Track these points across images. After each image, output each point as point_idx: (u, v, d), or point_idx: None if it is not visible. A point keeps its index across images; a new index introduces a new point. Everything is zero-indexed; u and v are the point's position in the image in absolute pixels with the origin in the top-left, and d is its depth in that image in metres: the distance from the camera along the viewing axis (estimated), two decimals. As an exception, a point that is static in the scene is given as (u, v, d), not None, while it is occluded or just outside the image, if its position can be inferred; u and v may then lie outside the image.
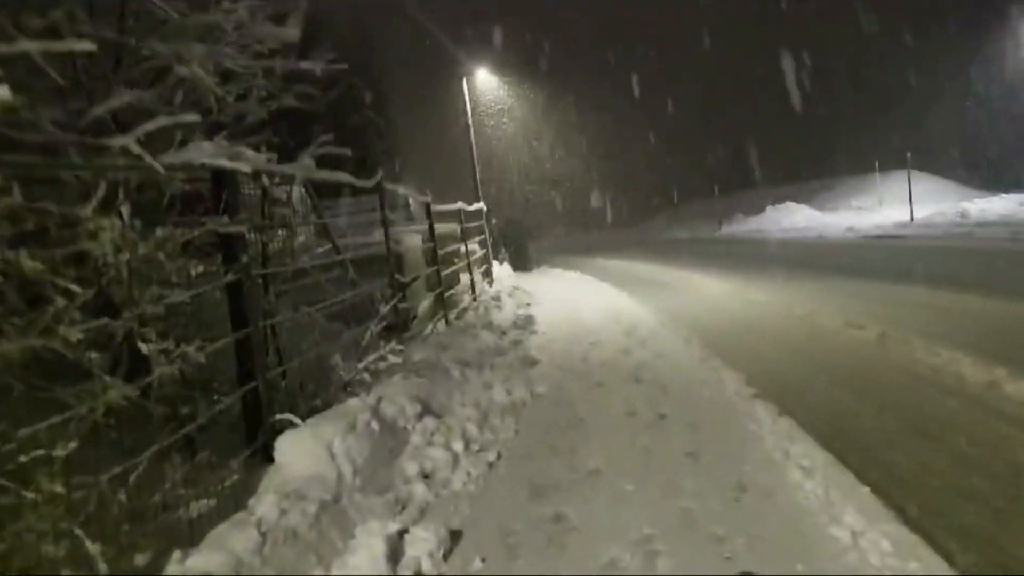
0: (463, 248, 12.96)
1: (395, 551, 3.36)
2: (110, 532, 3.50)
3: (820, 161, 40.43)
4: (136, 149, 3.31)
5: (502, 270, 18.67)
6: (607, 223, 49.99)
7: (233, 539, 3.12)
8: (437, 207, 11.48)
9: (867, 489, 3.87)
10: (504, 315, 11.16)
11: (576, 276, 18.72)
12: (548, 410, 6.01)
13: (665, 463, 4.52)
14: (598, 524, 3.77)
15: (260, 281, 4.85)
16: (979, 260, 12.07)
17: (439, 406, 5.53)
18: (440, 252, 10.55)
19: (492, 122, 46.14)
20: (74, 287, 2.88)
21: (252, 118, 5.32)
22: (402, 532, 3.51)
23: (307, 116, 7.18)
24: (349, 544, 3.40)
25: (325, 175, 5.56)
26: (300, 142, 5.95)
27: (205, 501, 3.77)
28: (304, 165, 5.09)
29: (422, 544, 3.42)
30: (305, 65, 5.00)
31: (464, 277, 12.76)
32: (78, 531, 2.75)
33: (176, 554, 3.00)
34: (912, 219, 19.61)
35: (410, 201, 14.79)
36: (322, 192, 11.30)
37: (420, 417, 5.05)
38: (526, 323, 10.42)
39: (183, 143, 3.72)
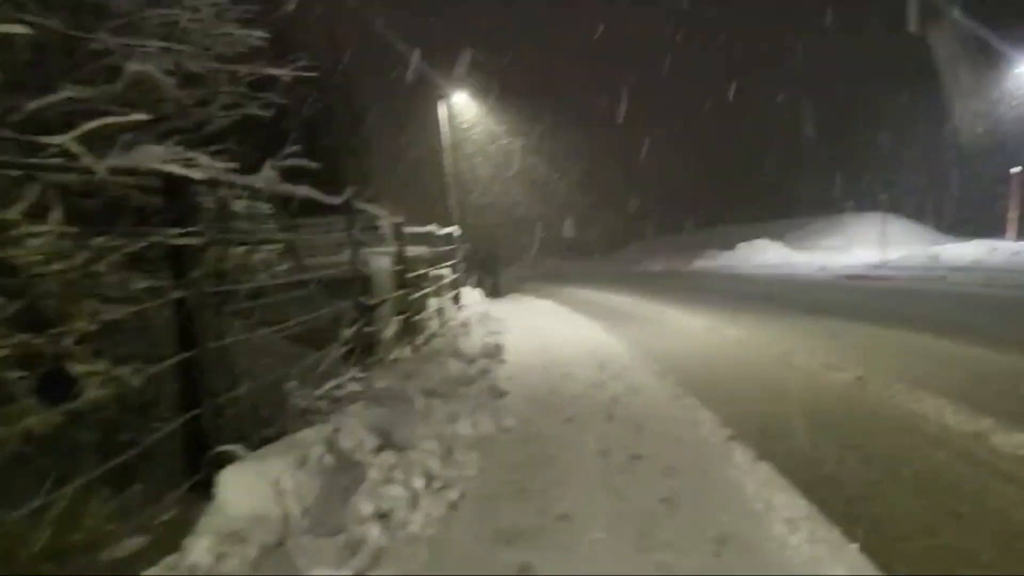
0: (433, 272, 12.65)
1: (343, 604, 3.04)
2: (26, 573, 3.15)
3: (791, 200, 40.77)
4: (76, 149, 3.01)
5: (473, 296, 18.37)
6: (579, 252, 49.94)
7: (160, 589, 2.78)
8: (409, 229, 11.19)
9: (855, 546, 3.61)
10: (473, 342, 10.85)
11: (548, 305, 18.47)
12: (516, 446, 5.70)
13: (640, 510, 4.23)
14: (567, 578, 3.47)
15: (214, 299, 4.53)
16: (954, 305, 11.98)
17: (400, 438, 5.20)
18: (410, 275, 10.24)
19: (469, 148, 45.99)
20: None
21: (214, 126, 5.03)
22: (352, 582, 3.19)
23: (280, 134, 6.82)
24: (292, 595, 3.07)
25: (290, 189, 5.27)
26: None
27: (136, 539, 3.43)
28: (267, 177, 4.80)
29: (373, 597, 3.10)
30: (272, 71, 4.71)
31: (433, 302, 12.44)
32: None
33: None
34: (884, 261, 19.63)
35: (382, 223, 14.48)
36: (295, 210, 10.96)
37: (379, 450, 4.72)
38: (495, 352, 10.11)
39: (131, 146, 3.41)
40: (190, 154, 3.55)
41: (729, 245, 30.83)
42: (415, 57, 26.49)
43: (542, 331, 12.76)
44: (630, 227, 50.28)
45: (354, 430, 4.67)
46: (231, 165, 4.28)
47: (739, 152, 47.39)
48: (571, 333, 12.34)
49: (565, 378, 8.35)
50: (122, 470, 3.78)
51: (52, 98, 3.19)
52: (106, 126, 3.27)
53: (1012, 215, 19.88)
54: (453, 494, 4.52)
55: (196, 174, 3.52)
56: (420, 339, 10.36)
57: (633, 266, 34.95)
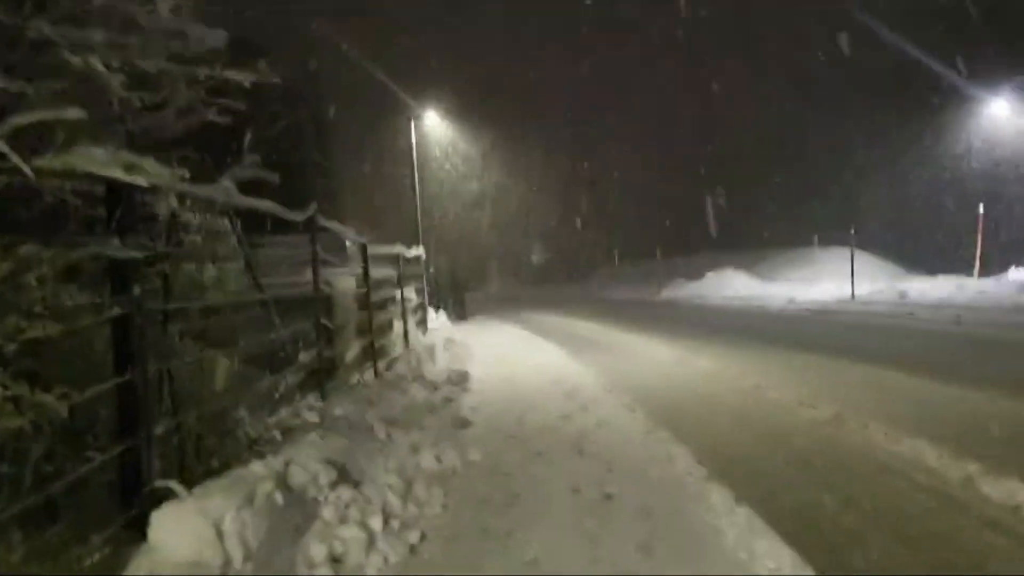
0: (399, 294, 12.32)
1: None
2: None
3: (758, 231, 40.99)
4: (1, 147, 2.68)
5: (438, 319, 18.05)
6: (547, 278, 49.82)
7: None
8: (374, 249, 10.87)
9: (847, 603, 3.35)
10: (437, 368, 10.53)
11: (515, 330, 18.19)
12: (481, 481, 5.38)
13: (614, 557, 3.92)
14: (537, 635, 3.16)
15: (159, 318, 4.18)
16: (926, 342, 11.88)
17: (358, 472, 4.86)
18: (374, 297, 9.91)
19: (437, 168, 45.78)
20: None
21: (169, 132, 4.70)
22: (297, 640, 2.85)
23: (244, 149, 6.48)
24: (228, 655, 2.73)
25: (249, 202, 4.94)
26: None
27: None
28: (223, 188, 4.47)
29: (320, 658, 2.76)
30: (232, 74, 4.39)
31: (398, 325, 12.11)
32: None
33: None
34: (853, 295, 19.64)
35: (347, 242, 14.12)
36: (261, 227, 10.57)
37: (335, 485, 4.38)
38: (460, 379, 9.78)
39: (66, 144, 3.07)
40: (135, 159, 3.22)
41: (697, 274, 30.81)
42: (385, 77, 26.24)
43: (509, 358, 12.46)
44: (598, 254, 50.29)
45: (308, 463, 4.32)
46: (181, 173, 3.94)
47: (707, 182, 47.67)
48: (538, 360, 12.07)
49: (532, 408, 8.05)
50: (45, 506, 3.41)
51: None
52: (38, 123, 2.94)
53: (978, 252, 20.05)
54: (413, 536, 4.19)
55: (139, 180, 3.20)
56: (383, 363, 10.01)
57: (601, 293, 34.84)
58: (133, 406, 3.58)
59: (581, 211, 50.26)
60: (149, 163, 3.28)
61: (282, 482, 3.95)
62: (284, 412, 4.78)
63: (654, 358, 11.93)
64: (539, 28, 56.92)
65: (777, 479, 5.32)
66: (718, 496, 4.88)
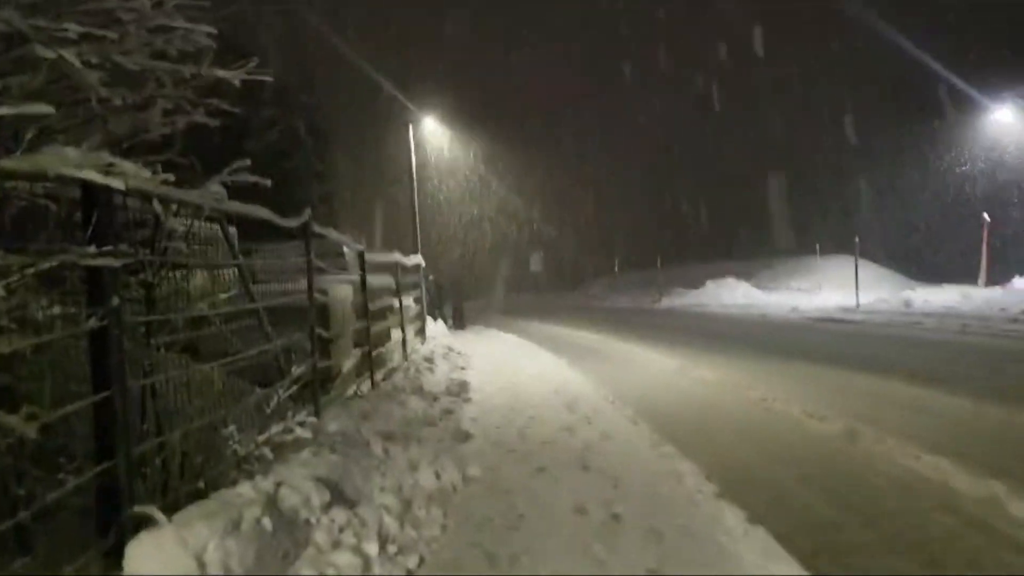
0: (397, 303, 12.09)
1: None
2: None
3: (759, 239, 40.82)
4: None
5: (437, 328, 17.82)
6: (545, 286, 49.56)
7: None
8: (372, 257, 10.65)
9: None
10: (436, 379, 10.29)
11: (514, 339, 17.94)
12: (482, 500, 5.14)
13: (625, 585, 3.69)
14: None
15: (141, 329, 3.95)
16: (935, 352, 11.63)
17: (354, 491, 4.62)
18: (372, 306, 9.67)
19: (435, 177, 45.67)
20: None
21: (154, 134, 4.48)
22: None
23: (241, 156, 6.26)
24: None
25: (240, 208, 4.72)
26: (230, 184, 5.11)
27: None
28: (212, 193, 4.24)
29: None
30: (221, 73, 4.17)
31: (396, 334, 11.87)
32: None
33: None
34: (858, 304, 19.41)
35: (345, 250, 13.88)
36: (253, 234, 10.32)
37: (328, 507, 4.14)
38: (460, 389, 9.55)
39: (33, 143, 2.84)
40: (112, 160, 2.99)
41: (697, 283, 30.58)
42: (384, 82, 26.07)
43: (508, 367, 12.22)
44: (597, 262, 50.04)
45: (299, 484, 4.08)
46: (165, 177, 3.71)
47: (707, 191, 47.56)
48: (538, 370, 11.83)
49: (534, 420, 7.82)
50: (15, 533, 3.18)
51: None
52: (7, 122, 2.72)
53: (983, 261, 19.83)
54: (411, 561, 3.95)
55: (115, 182, 2.97)
56: (381, 374, 9.78)
57: (600, 301, 34.61)
58: (111, 426, 3.35)
59: (580, 219, 50.14)
60: (128, 165, 3.05)
61: (272, 505, 3.71)
62: (275, 428, 4.55)
63: (656, 368, 11.70)
64: (537, 38, 56.85)
65: (792, 498, 5.09)
66: (731, 516, 4.64)
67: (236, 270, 6.32)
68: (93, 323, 3.27)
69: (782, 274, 30.71)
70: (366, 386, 8.82)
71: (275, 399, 4.77)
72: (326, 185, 36.19)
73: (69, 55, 3.04)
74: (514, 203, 49.39)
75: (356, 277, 9.50)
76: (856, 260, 20.30)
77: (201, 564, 2.98)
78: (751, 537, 4.30)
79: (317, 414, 6.21)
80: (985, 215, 19.93)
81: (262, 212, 5.10)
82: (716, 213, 46.33)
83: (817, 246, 26.79)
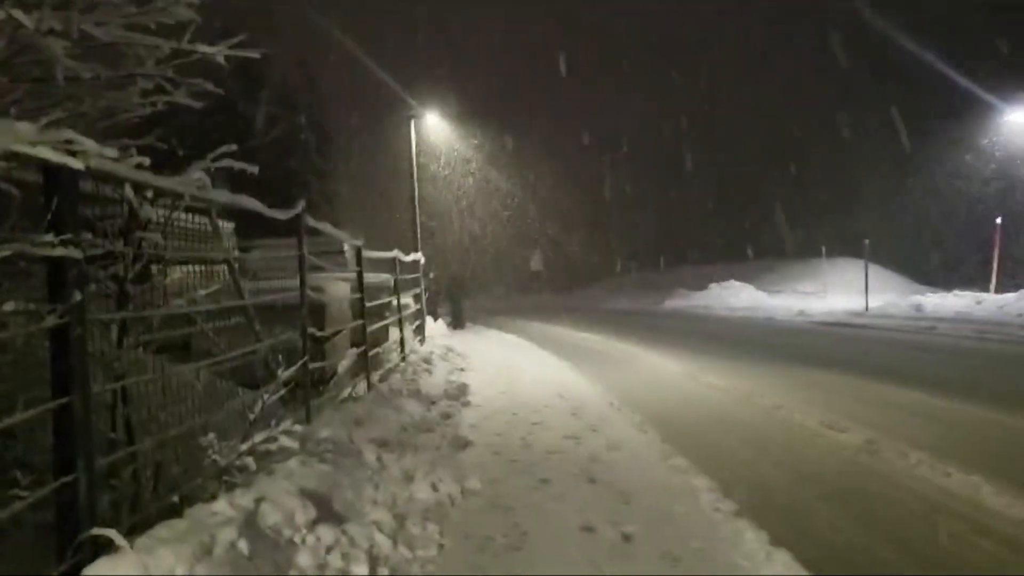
0: (395, 301, 11.73)
1: None
2: None
3: (763, 241, 40.46)
4: None
5: (436, 328, 17.47)
6: (547, 286, 49.17)
7: None
8: (371, 253, 10.29)
9: None
10: (435, 381, 9.93)
11: (515, 340, 17.58)
12: (482, 515, 4.78)
13: (641, 619, 3.33)
14: None
15: (112, 328, 3.59)
16: (954, 359, 11.28)
17: (343, 505, 4.27)
18: (369, 304, 9.31)
19: (437, 171, 45.34)
20: None
21: (133, 115, 4.12)
22: None
23: (243, 152, 5.90)
24: None
25: (226, 197, 4.35)
26: (229, 178, 4.76)
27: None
28: (195, 181, 3.88)
29: None
30: (204, 49, 3.81)
31: (394, 333, 11.52)
32: None
33: None
34: (867, 308, 19.04)
35: (345, 247, 13.52)
36: (255, 231, 9.96)
37: (314, 525, 3.78)
38: (459, 392, 9.19)
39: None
40: (72, 136, 2.64)
41: (700, 285, 30.23)
42: (386, 78, 25.72)
43: (509, 370, 11.86)
44: (599, 263, 49.65)
45: (283, 499, 3.73)
46: (139, 160, 3.36)
47: (711, 192, 47.23)
48: (540, 373, 11.47)
49: (537, 427, 7.47)
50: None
51: None
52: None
53: (995, 266, 19.47)
54: (404, 586, 3.59)
55: (74, 162, 2.62)
56: (378, 375, 9.43)
57: (602, 303, 34.21)
58: (70, 436, 3.00)
59: (582, 219, 49.74)
60: (89, 143, 2.70)
61: (251, 524, 3.35)
62: (259, 437, 4.20)
63: (662, 372, 11.34)
64: (542, 35, 56.57)
65: (815, 517, 4.74)
66: (752, 538, 4.28)
67: (227, 265, 5.99)
68: (51, 320, 2.92)
69: (787, 277, 30.37)
70: (362, 388, 8.46)
71: (260, 404, 4.41)
72: (328, 183, 35.89)
73: (23, 16, 2.68)
74: (515, 201, 49.01)
75: (354, 274, 9.15)
76: (866, 264, 19.92)
77: (165, 597, 2.62)
78: (774, 562, 3.95)
79: (308, 419, 5.85)
80: (998, 220, 19.57)
81: (250, 203, 4.74)
82: (720, 215, 45.98)
83: (823, 248, 26.40)
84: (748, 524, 4.50)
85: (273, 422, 4.31)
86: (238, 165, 4.08)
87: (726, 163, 45.72)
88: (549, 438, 6.97)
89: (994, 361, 10.98)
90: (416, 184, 19.89)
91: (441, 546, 4.23)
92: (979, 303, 17.06)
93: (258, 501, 3.56)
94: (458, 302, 22.74)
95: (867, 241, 19.74)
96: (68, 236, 2.87)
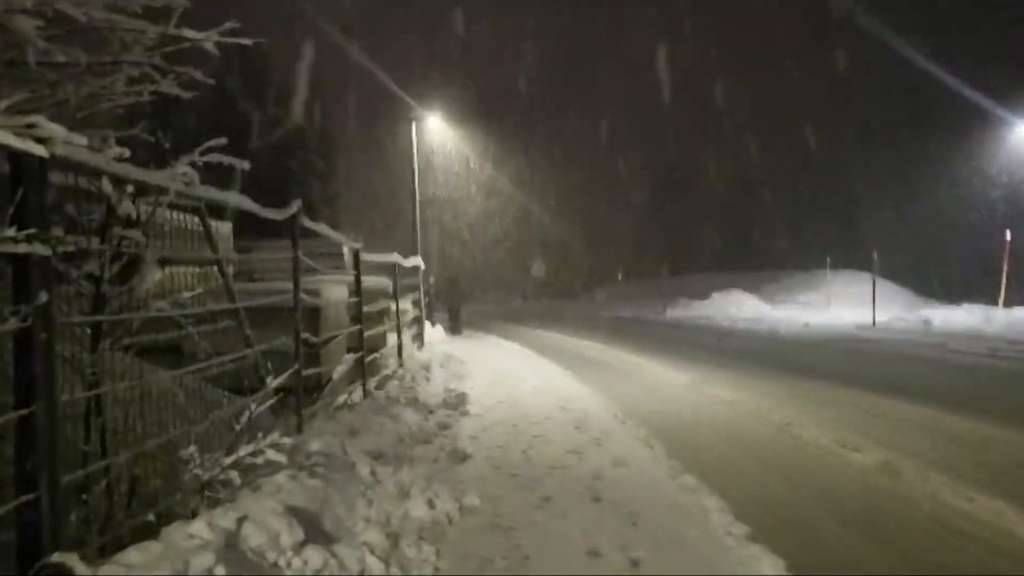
0: (394, 306, 11.46)
1: None
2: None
3: (766, 252, 40.24)
4: None
5: (435, 334, 17.20)
6: (547, 293, 48.92)
7: None
8: (369, 257, 10.03)
9: None
10: (433, 389, 9.66)
11: (515, 348, 17.29)
12: (481, 536, 4.51)
13: (653, 659, 3.07)
14: None
15: (80, 331, 3.33)
16: (969, 376, 10.95)
17: (334, 524, 4.00)
18: (367, 308, 9.05)
19: (439, 177, 45.14)
20: None
21: (115, 103, 3.87)
22: None
23: (243, 153, 5.64)
24: None
25: (214, 194, 4.09)
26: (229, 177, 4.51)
27: None
28: (181, 175, 3.62)
29: None
30: (192, 35, 3.55)
31: (392, 338, 11.25)
32: None
33: None
34: (874, 322, 18.74)
35: (344, 250, 13.26)
36: (256, 232, 9.67)
37: (301, 547, 3.51)
38: (458, 402, 8.92)
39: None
40: (34, 120, 2.38)
41: (701, 294, 29.92)
42: (388, 81, 25.50)
43: (510, 378, 11.58)
44: (600, 270, 49.39)
45: (268, 518, 3.46)
46: (118, 151, 3.10)
47: (713, 202, 47.06)
48: (541, 382, 11.19)
49: (538, 440, 7.20)
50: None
51: None
52: None
53: (1003, 281, 19.17)
54: (396, 617, 3.32)
55: (39, 149, 2.36)
56: (374, 381, 9.16)
57: (603, 310, 33.89)
58: (33, 450, 2.73)
59: (584, 226, 49.50)
60: (57, 128, 2.44)
61: (231, 547, 3.09)
62: (244, 450, 3.92)
63: (666, 383, 11.06)
64: (545, 42, 56.48)
65: (835, 544, 4.47)
66: (768, 566, 4.02)
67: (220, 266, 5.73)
68: (13, 323, 2.65)
69: (789, 288, 30.08)
70: (357, 395, 8.20)
71: (247, 414, 4.14)
72: (328, 185, 35.65)
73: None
74: (517, 207, 48.77)
75: (351, 277, 8.89)
76: (874, 277, 19.64)
77: (129, 634, 2.35)
78: (795, 595, 3.69)
79: (299, 428, 5.59)
80: (1008, 234, 19.29)
81: (241, 201, 4.49)
82: (723, 224, 45.78)
83: (828, 260, 26.12)
84: (763, 549, 4.24)
85: (260, 434, 4.04)
86: (228, 160, 3.82)
87: (729, 173, 45.54)
88: (551, 452, 6.70)
89: (1009, 379, 10.70)
90: (416, 186, 19.62)
91: (437, 569, 3.97)
92: (989, 319, 16.78)
93: (240, 521, 3.29)
94: (456, 307, 22.49)
95: (875, 253, 19.46)
96: (33, 231, 2.61)
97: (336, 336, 7.97)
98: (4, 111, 2.42)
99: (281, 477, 4.17)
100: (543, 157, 47.34)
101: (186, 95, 3.87)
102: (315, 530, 3.79)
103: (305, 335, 6.15)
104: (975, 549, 4.32)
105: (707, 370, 12.05)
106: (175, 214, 4.91)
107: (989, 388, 9.92)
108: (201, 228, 5.10)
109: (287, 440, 4.24)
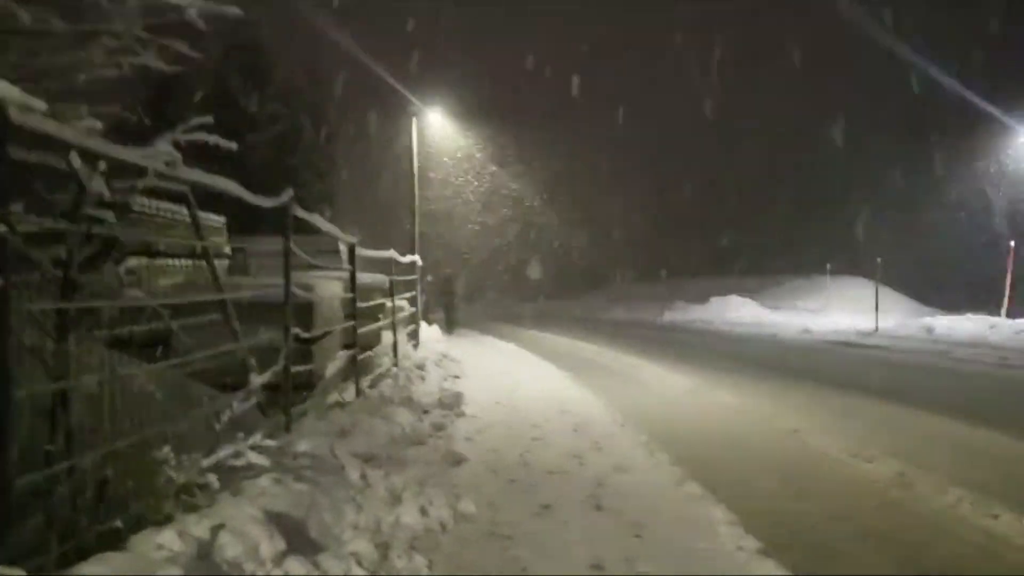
0: (389, 303, 11.19)
1: None
2: None
3: (764, 256, 40.00)
4: None
5: (431, 333, 16.91)
6: (544, 294, 48.57)
7: None
8: (365, 252, 9.76)
9: None
10: (428, 388, 9.40)
11: (512, 348, 17.03)
12: (477, 547, 4.25)
13: None
14: None
15: (51, 321, 3.07)
16: (977, 385, 10.68)
17: (319, 531, 3.74)
18: (362, 305, 8.78)
19: (438, 175, 44.85)
20: None
21: (95, 76, 3.60)
22: None
23: (243, 149, 5.36)
24: None
25: (198, 176, 3.83)
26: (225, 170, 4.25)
27: None
28: (161, 154, 3.35)
29: None
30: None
31: (387, 337, 10.98)
32: None
33: None
34: (877, 328, 18.50)
35: (341, 245, 12.95)
36: (253, 225, 9.36)
37: (282, 558, 3.24)
38: (453, 402, 8.66)
39: None
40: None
41: (700, 298, 29.66)
42: (388, 77, 25.22)
43: (507, 379, 11.32)
44: (598, 272, 49.07)
45: (247, 526, 3.19)
46: (89, 123, 2.83)
47: (712, 206, 46.82)
48: (539, 384, 10.95)
49: (537, 443, 6.95)
50: None
51: None
52: None
53: (1007, 290, 18.93)
54: (384, 637, 3.06)
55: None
56: (368, 380, 8.89)
57: (601, 313, 33.65)
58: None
59: (582, 228, 49.15)
60: (12, 90, 2.17)
61: (205, 559, 2.82)
62: (224, 451, 3.65)
63: (667, 387, 10.80)
64: (547, 42, 56.23)
65: (852, 562, 4.20)
66: (784, 585, 3.76)
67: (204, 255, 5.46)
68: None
69: (787, 293, 29.84)
70: (350, 394, 7.92)
71: (227, 413, 3.87)
72: (328, 182, 35.34)
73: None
74: (515, 207, 48.45)
75: (346, 272, 8.62)
76: (877, 283, 19.40)
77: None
78: (813, 616, 3.42)
79: (288, 428, 5.32)
80: (1012, 243, 19.07)
81: (229, 186, 4.21)
82: (722, 228, 45.48)
83: (828, 266, 25.89)
84: (776, 565, 3.99)
85: (240, 435, 3.78)
86: (212, 139, 3.55)
87: (728, 176, 45.30)
88: (550, 456, 6.45)
89: (1020, 389, 10.45)
90: (416, 184, 19.34)
91: (429, 583, 3.70)
92: (993, 327, 16.54)
93: (216, 530, 3.02)
94: (450, 305, 22.27)
95: (879, 259, 19.21)
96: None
97: (329, 332, 7.71)
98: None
99: (265, 480, 3.90)
100: (541, 158, 46.99)
101: (170, 69, 3.61)
102: (299, 538, 3.52)
103: (296, 330, 5.88)
104: (995, 565, 4.07)
105: (707, 374, 11.80)
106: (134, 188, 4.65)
107: (997, 397, 9.68)
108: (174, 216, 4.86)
109: (270, 442, 3.97)
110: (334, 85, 36.58)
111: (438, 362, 12.15)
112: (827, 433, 7.30)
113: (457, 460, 6.15)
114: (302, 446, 4.72)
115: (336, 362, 8.07)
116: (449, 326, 21.26)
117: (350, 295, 8.40)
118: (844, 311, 23.81)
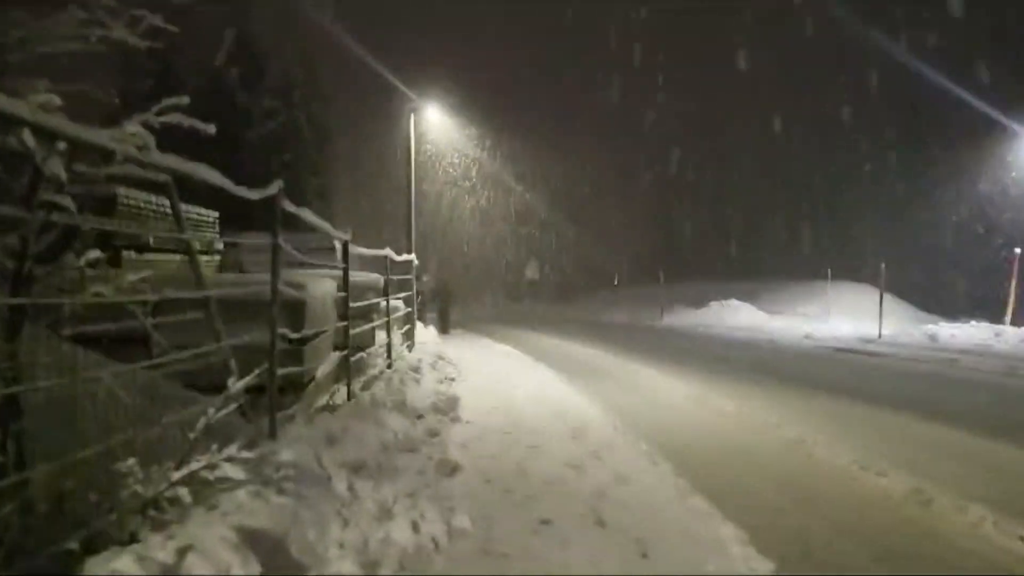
0: (384, 303, 10.89)
1: None
2: None
3: (764, 262, 39.76)
4: None
5: (426, 334, 16.62)
6: (541, 296, 48.28)
7: None
8: (359, 250, 9.47)
9: None
10: (422, 392, 9.09)
11: (508, 351, 16.72)
12: (471, 566, 3.95)
13: None
14: None
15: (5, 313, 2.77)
16: (988, 395, 10.31)
17: (302, 550, 3.44)
18: (355, 304, 8.48)
19: (435, 173, 44.60)
20: None
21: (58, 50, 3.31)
22: None
23: (238, 144, 4.99)
24: None
25: (175, 163, 3.53)
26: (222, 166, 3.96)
27: None
28: (132, 136, 3.06)
29: None
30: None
31: (381, 336, 10.68)
32: None
33: None
34: (880, 335, 18.21)
35: (336, 243, 12.64)
36: (247, 223, 9.03)
37: (258, 582, 2.95)
38: (448, 407, 8.37)
39: None
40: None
41: (698, 302, 29.38)
42: (385, 72, 24.92)
43: (503, 383, 11.03)
44: (596, 275, 48.75)
45: (217, 547, 2.89)
46: (47, 98, 2.54)
47: (711, 210, 46.62)
48: (536, 388, 10.64)
49: (534, 451, 6.65)
50: None
51: None
52: None
53: (1011, 298, 18.68)
54: (367, 674, 2.76)
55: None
56: (360, 382, 8.58)
57: (598, 316, 33.32)
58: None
59: (580, 230, 48.86)
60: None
61: (168, 586, 2.52)
62: (195, 466, 3.36)
63: (667, 393, 10.51)
64: (544, 46, 56.08)
65: (873, 587, 3.92)
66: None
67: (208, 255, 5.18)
68: None
69: (787, 298, 29.54)
70: (341, 396, 7.63)
71: (201, 419, 3.57)
72: (323, 178, 35.03)
73: None
74: (513, 208, 48.16)
75: (340, 270, 8.32)
76: (881, 289, 19.10)
77: None
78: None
79: (272, 434, 5.02)
80: (1016, 250, 18.82)
81: (209, 175, 3.91)
82: (721, 232, 45.29)
83: (829, 271, 25.63)
84: (794, 592, 3.70)
85: (215, 446, 3.48)
86: (188, 121, 3.26)
87: (729, 181, 45.07)
88: (548, 465, 6.16)
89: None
90: (412, 181, 19.02)
91: (419, 608, 3.41)
92: (998, 335, 16.28)
93: (182, 552, 2.73)
94: (445, 305, 22.03)
95: (883, 265, 18.92)
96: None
97: (320, 333, 7.41)
98: None
99: (243, 494, 3.60)
100: (540, 159, 46.68)
101: (142, 44, 3.31)
102: (278, 558, 3.23)
103: (283, 331, 5.58)
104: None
105: (709, 380, 11.52)
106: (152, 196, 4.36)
107: (1010, 408, 9.39)
108: (190, 215, 4.57)
109: (247, 454, 3.67)
110: (330, 81, 36.33)
111: (433, 364, 11.85)
112: (834, 444, 7.01)
113: (452, 469, 5.86)
114: (286, 455, 4.41)
115: (327, 364, 7.77)
116: (445, 326, 21.01)
117: (343, 294, 8.10)
118: (845, 317, 23.53)
